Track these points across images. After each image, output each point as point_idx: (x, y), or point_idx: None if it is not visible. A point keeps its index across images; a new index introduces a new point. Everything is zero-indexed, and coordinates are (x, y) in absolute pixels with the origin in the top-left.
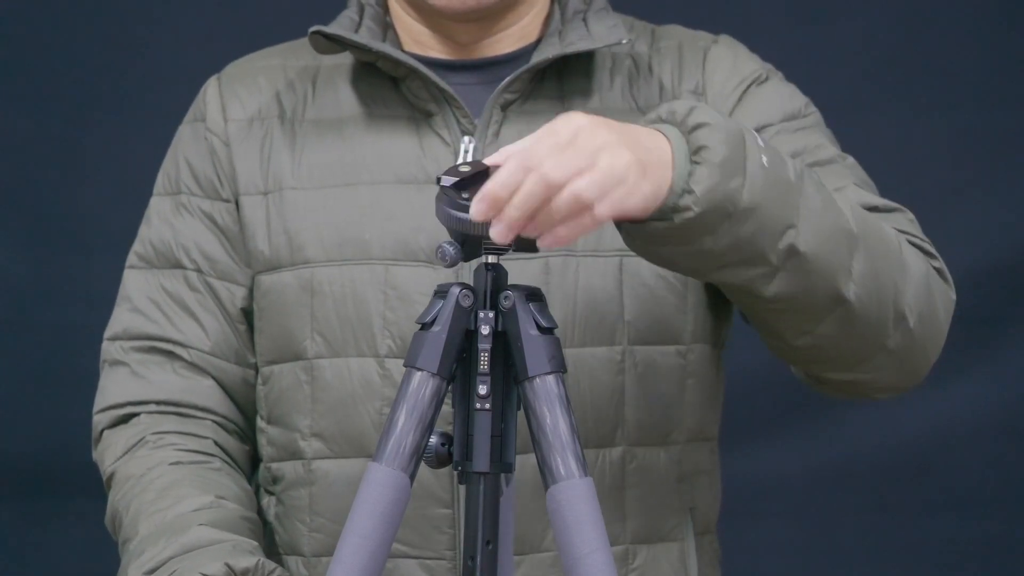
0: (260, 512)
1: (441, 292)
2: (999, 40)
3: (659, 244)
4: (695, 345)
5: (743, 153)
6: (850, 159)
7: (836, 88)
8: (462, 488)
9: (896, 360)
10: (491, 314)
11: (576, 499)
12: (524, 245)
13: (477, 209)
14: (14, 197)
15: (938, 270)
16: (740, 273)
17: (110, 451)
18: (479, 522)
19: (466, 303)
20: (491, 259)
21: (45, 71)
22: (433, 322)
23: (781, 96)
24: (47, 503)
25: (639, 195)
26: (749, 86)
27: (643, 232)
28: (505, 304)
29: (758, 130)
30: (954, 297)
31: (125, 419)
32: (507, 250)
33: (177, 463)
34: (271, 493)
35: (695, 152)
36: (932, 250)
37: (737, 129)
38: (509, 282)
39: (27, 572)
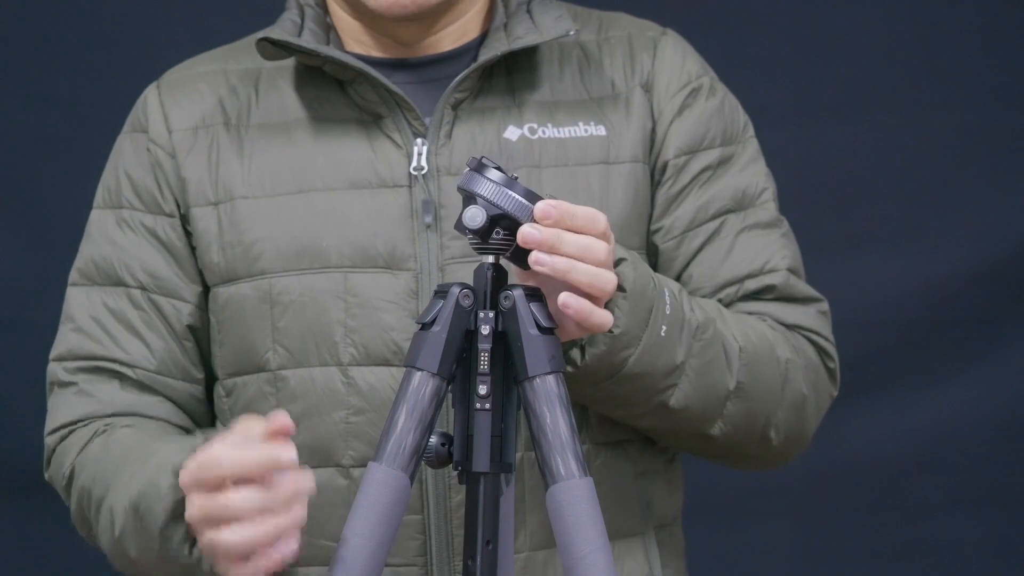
0: None
1: (441, 292)
2: (999, 40)
3: None
4: None
5: (646, 323)
6: (785, 224)
7: (836, 88)
8: (431, 494)
9: (754, 462)
10: (491, 314)
11: (576, 499)
12: (520, 255)
13: (544, 209)
14: (15, 197)
15: (830, 371)
16: (612, 413)
17: (67, 456)
18: (479, 522)
19: (466, 303)
20: (491, 259)
21: (45, 71)
22: (433, 322)
23: (723, 114)
24: (47, 503)
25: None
26: (694, 91)
27: None
28: (505, 304)
29: (698, 150)
30: (835, 393)
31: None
32: (505, 251)
33: (138, 428)
34: None
35: None
36: (830, 349)
37: (650, 298)
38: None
39: (27, 572)
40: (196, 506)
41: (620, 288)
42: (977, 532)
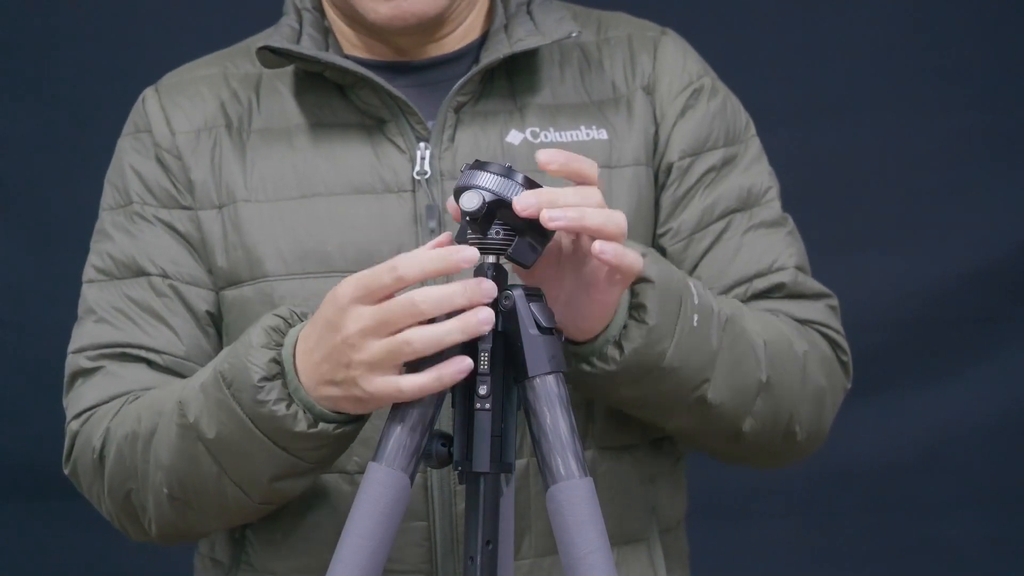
0: (235, 531)
1: None
2: (999, 40)
3: (572, 381)
4: None
5: (677, 314)
6: (790, 222)
7: (836, 88)
8: (436, 501)
9: (777, 460)
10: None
11: (576, 499)
12: (521, 253)
13: (524, 200)
14: (14, 197)
15: (843, 363)
16: (646, 414)
17: (96, 428)
18: (479, 522)
19: None
20: (491, 259)
21: (45, 71)
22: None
23: (725, 114)
24: (47, 503)
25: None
26: (695, 92)
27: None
28: (505, 304)
29: (702, 151)
30: (848, 387)
31: None
32: (505, 250)
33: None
34: None
35: (633, 307)
36: (842, 342)
37: (677, 289)
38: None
39: (27, 572)
40: (367, 315)
41: (647, 280)
42: (977, 532)
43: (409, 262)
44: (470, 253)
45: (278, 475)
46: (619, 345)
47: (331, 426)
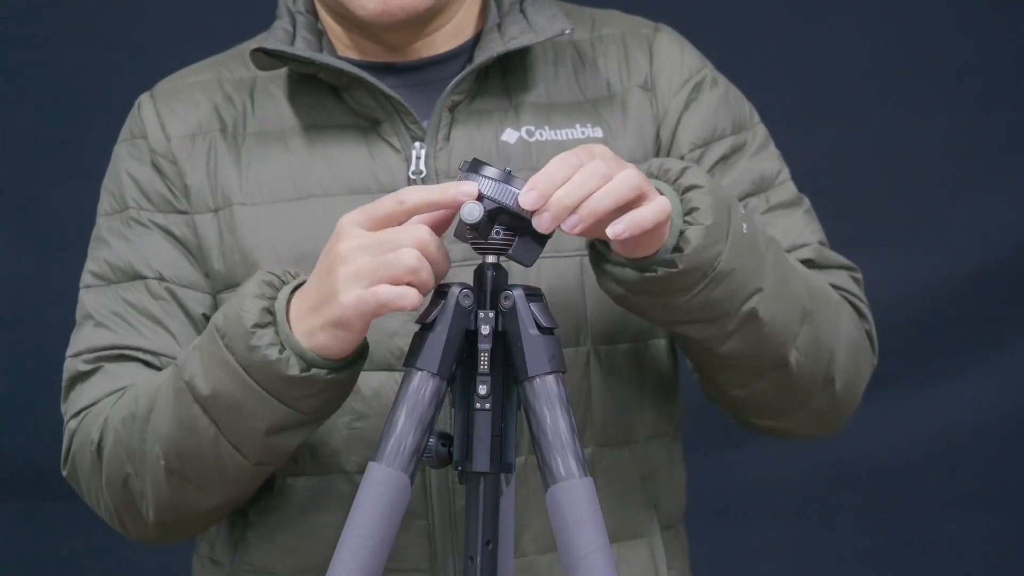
0: (235, 531)
1: (441, 292)
2: (999, 40)
3: (635, 292)
4: (651, 340)
5: (728, 218)
6: (806, 201)
7: (836, 88)
8: (435, 498)
9: (815, 417)
10: (491, 314)
11: (576, 499)
12: (521, 253)
13: (528, 197)
14: (14, 197)
15: (868, 333)
16: (702, 330)
17: (95, 421)
18: (479, 522)
19: (466, 303)
20: (491, 259)
21: (45, 71)
22: (433, 322)
23: (729, 103)
24: (47, 503)
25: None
26: (697, 85)
27: (623, 279)
28: (505, 304)
29: (711, 141)
30: (876, 362)
31: None
32: (506, 250)
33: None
34: (244, 512)
35: (687, 212)
36: (867, 312)
37: (725, 196)
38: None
39: (27, 572)
40: (364, 234)
41: (696, 186)
42: (977, 532)
43: (411, 189)
44: (468, 187)
45: (273, 428)
46: (679, 248)
47: (323, 371)
